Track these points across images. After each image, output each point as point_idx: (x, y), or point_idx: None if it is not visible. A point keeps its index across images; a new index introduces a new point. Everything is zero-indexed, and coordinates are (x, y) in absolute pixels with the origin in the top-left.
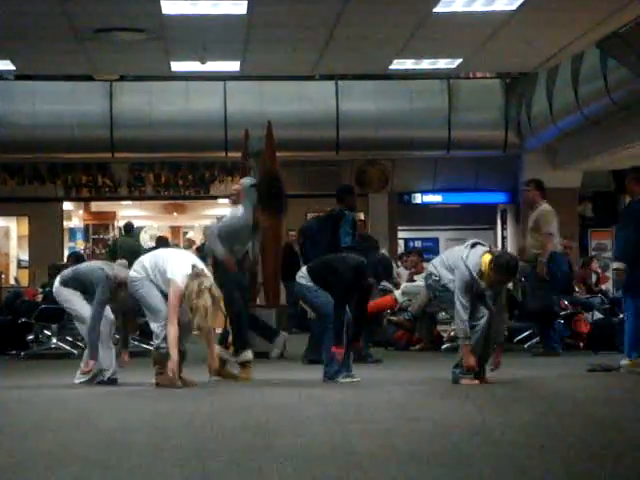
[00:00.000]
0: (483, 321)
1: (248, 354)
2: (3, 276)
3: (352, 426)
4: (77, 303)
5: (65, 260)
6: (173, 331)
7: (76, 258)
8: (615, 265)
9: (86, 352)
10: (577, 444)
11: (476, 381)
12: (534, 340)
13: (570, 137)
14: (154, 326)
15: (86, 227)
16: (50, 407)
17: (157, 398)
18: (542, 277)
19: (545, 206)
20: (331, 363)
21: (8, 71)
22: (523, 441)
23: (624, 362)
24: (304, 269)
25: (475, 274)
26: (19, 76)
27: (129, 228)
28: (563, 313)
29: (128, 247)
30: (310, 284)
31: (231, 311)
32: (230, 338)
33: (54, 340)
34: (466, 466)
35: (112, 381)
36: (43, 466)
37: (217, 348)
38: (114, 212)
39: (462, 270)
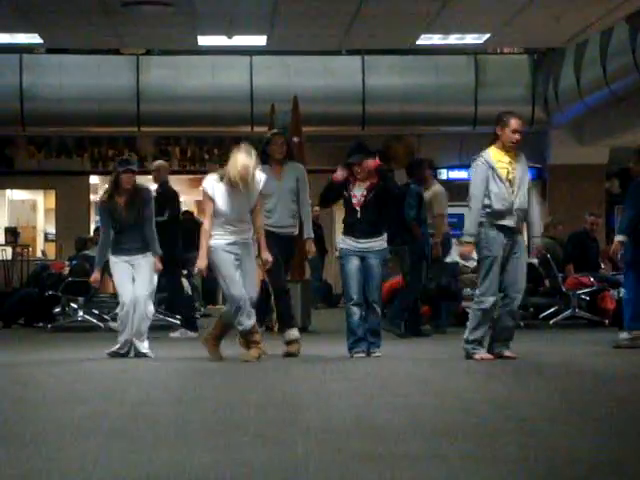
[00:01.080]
0: (518, 298)
1: (294, 332)
2: (30, 249)
3: (377, 400)
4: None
5: (92, 233)
6: None
7: None
8: (620, 238)
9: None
10: (601, 421)
11: (490, 356)
12: (560, 316)
13: (597, 113)
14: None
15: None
16: (76, 380)
17: (183, 372)
18: (437, 257)
19: (436, 187)
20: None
21: (37, 44)
22: (548, 417)
23: (624, 335)
24: None
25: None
26: (48, 49)
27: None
28: (588, 290)
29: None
30: None
31: (278, 287)
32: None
33: (80, 313)
34: (491, 441)
35: (140, 355)
36: (68, 437)
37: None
38: None
39: (476, 163)
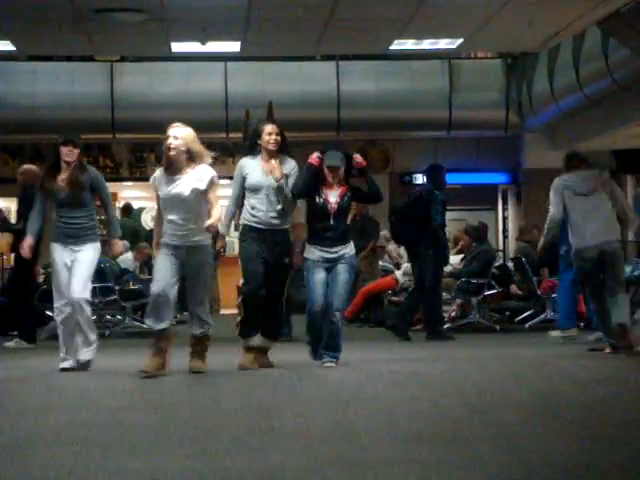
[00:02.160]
0: None
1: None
2: (5, 257)
3: (353, 406)
4: None
5: None
6: None
7: None
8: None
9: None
10: (576, 424)
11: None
12: (536, 319)
13: (571, 117)
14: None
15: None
16: (50, 388)
17: (159, 379)
18: None
19: None
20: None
21: (10, 51)
22: (523, 420)
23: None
24: None
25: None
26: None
27: (128, 209)
28: None
29: (128, 228)
30: None
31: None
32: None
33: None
34: (466, 445)
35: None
36: (43, 446)
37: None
38: (115, 193)
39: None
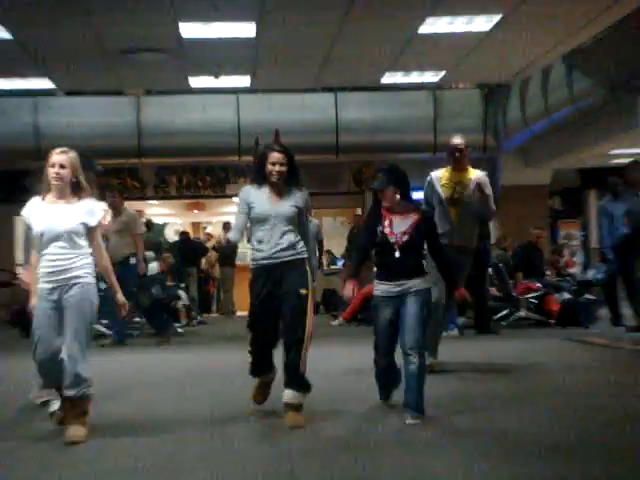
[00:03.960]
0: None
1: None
2: None
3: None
4: None
5: None
6: None
7: None
8: None
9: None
10: (549, 408)
11: None
12: (512, 318)
13: (540, 140)
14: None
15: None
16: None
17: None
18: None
19: (130, 211)
20: None
21: (50, 89)
22: (500, 406)
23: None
24: None
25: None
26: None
27: (149, 225)
28: (535, 294)
29: (149, 241)
30: None
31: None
32: None
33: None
34: (450, 426)
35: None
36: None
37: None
38: (142, 210)
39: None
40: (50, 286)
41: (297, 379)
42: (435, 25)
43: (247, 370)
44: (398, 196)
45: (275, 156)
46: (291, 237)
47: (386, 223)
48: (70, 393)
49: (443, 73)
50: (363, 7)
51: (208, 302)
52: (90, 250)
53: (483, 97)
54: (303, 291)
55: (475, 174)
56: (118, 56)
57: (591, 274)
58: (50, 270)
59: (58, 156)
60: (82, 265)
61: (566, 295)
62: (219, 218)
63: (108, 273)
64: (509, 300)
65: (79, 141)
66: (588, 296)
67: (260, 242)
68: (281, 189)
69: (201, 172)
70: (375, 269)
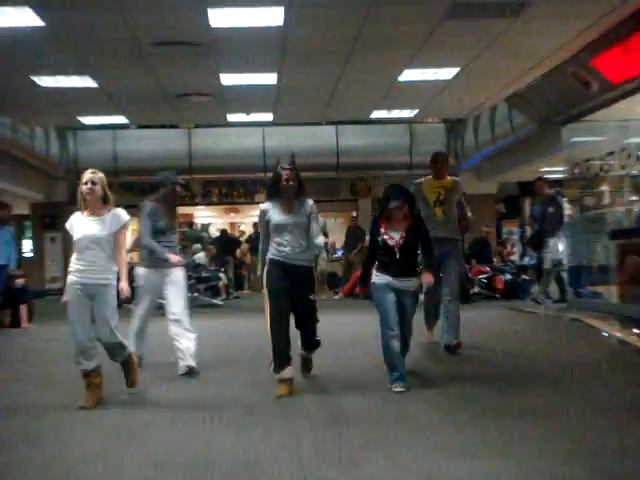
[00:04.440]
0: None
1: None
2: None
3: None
4: None
5: None
6: None
7: None
8: None
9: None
10: (492, 351)
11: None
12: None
13: (489, 160)
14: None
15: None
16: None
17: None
18: None
19: None
20: None
21: (124, 124)
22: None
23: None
24: None
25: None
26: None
27: (191, 225)
28: (486, 275)
29: (192, 236)
30: None
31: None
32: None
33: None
34: (423, 374)
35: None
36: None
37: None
38: (192, 214)
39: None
40: (81, 280)
41: (312, 350)
42: (410, 75)
43: (270, 366)
44: (406, 212)
45: (286, 172)
46: (304, 242)
47: (382, 231)
48: (86, 364)
49: (417, 111)
50: (358, 61)
51: (241, 282)
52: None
53: (447, 129)
54: (312, 297)
55: (453, 180)
56: (175, 99)
57: (526, 260)
58: (82, 268)
59: (90, 175)
60: (106, 265)
61: (508, 276)
62: (249, 219)
63: (121, 266)
64: (467, 280)
65: (146, 162)
66: (524, 277)
67: (280, 245)
68: (292, 201)
69: (236, 185)
70: (377, 264)
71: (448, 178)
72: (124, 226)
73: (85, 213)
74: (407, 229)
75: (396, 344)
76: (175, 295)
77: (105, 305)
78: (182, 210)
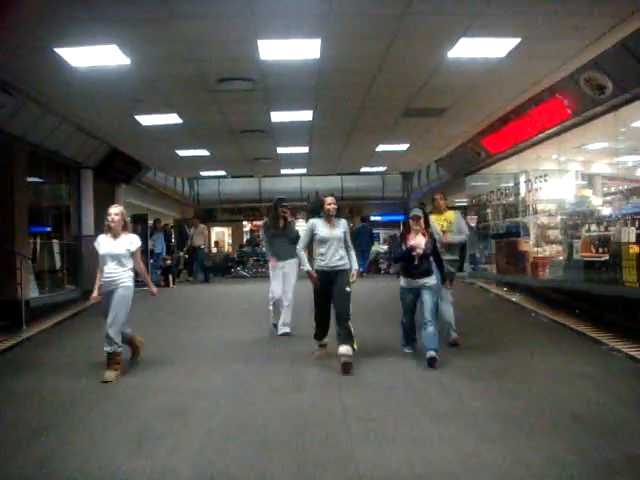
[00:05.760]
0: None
1: (346, 348)
2: (221, 247)
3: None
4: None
5: (244, 242)
6: None
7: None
8: None
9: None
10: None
11: None
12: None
13: (427, 194)
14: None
15: (251, 231)
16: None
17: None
18: None
19: (201, 225)
20: None
21: (225, 175)
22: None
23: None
24: None
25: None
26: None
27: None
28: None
29: (254, 239)
30: None
31: (340, 312)
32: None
33: (240, 271)
34: (390, 351)
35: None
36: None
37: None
38: (260, 225)
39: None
40: (106, 287)
41: (347, 340)
42: (383, 148)
43: (312, 333)
44: (423, 223)
45: (330, 199)
46: (342, 252)
47: (409, 242)
48: (107, 349)
49: (386, 167)
50: (353, 141)
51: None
52: (131, 265)
53: (403, 177)
54: (348, 289)
55: (453, 213)
56: (252, 161)
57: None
58: (106, 279)
59: (114, 209)
60: (125, 275)
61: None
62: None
63: (142, 272)
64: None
65: (235, 196)
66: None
67: (322, 255)
68: (333, 220)
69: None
70: (400, 270)
71: (449, 211)
72: (138, 248)
73: (109, 235)
74: (426, 242)
75: (408, 329)
76: (287, 283)
77: (118, 300)
78: (254, 223)
